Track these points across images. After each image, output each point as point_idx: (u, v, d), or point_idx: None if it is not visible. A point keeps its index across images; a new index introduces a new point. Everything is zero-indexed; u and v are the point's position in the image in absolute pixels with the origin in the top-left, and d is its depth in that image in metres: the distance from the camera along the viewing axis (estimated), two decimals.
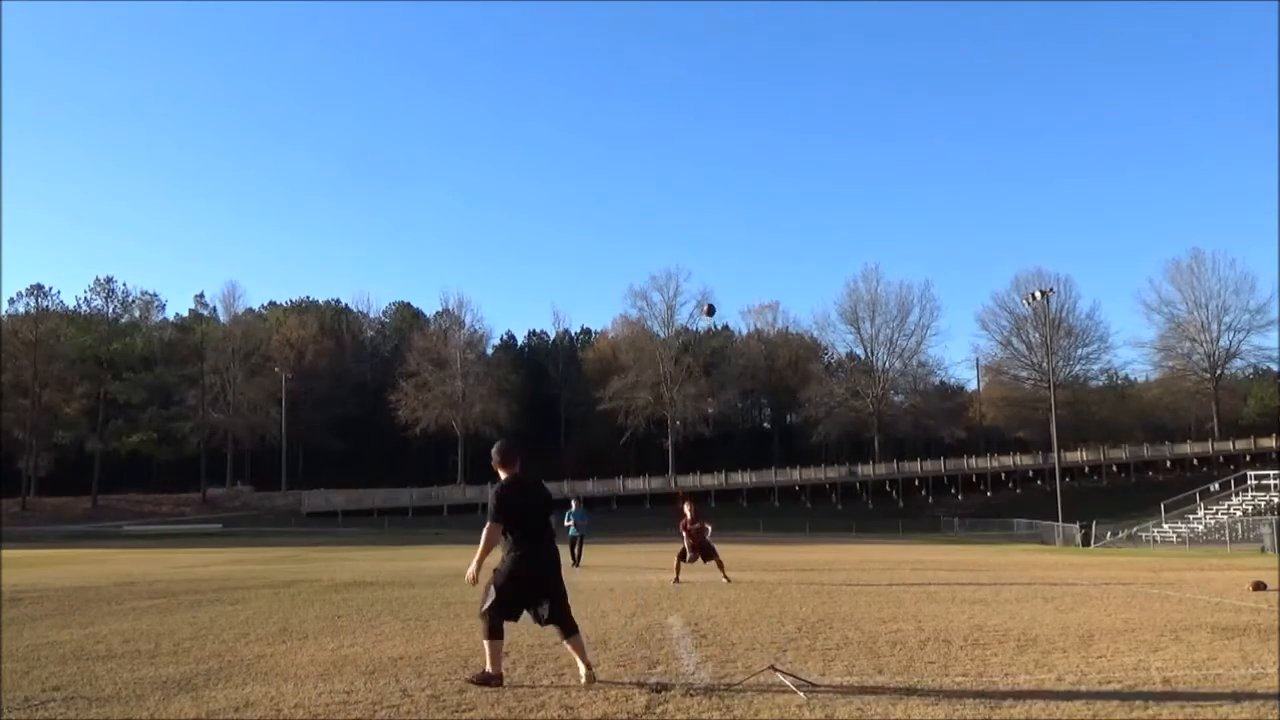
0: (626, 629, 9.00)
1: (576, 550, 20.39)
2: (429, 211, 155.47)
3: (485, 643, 6.03)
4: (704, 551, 15.81)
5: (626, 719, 5.07)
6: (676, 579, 15.32)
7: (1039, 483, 78.98)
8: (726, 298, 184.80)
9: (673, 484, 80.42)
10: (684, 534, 16.01)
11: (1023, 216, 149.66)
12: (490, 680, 5.93)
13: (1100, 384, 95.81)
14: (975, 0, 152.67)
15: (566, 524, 20.90)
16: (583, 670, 5.99)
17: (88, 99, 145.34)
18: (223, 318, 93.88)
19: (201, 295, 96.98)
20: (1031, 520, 53.61)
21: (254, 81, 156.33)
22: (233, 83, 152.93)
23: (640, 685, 5.95)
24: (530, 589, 5.93)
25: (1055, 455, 59.46)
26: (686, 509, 16.18)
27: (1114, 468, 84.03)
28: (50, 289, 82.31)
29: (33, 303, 79.72)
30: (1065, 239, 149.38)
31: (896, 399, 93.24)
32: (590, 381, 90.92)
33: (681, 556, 15.82)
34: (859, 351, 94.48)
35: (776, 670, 6.25)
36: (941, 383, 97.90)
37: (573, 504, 21.64)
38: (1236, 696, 5.60)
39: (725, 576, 15.50)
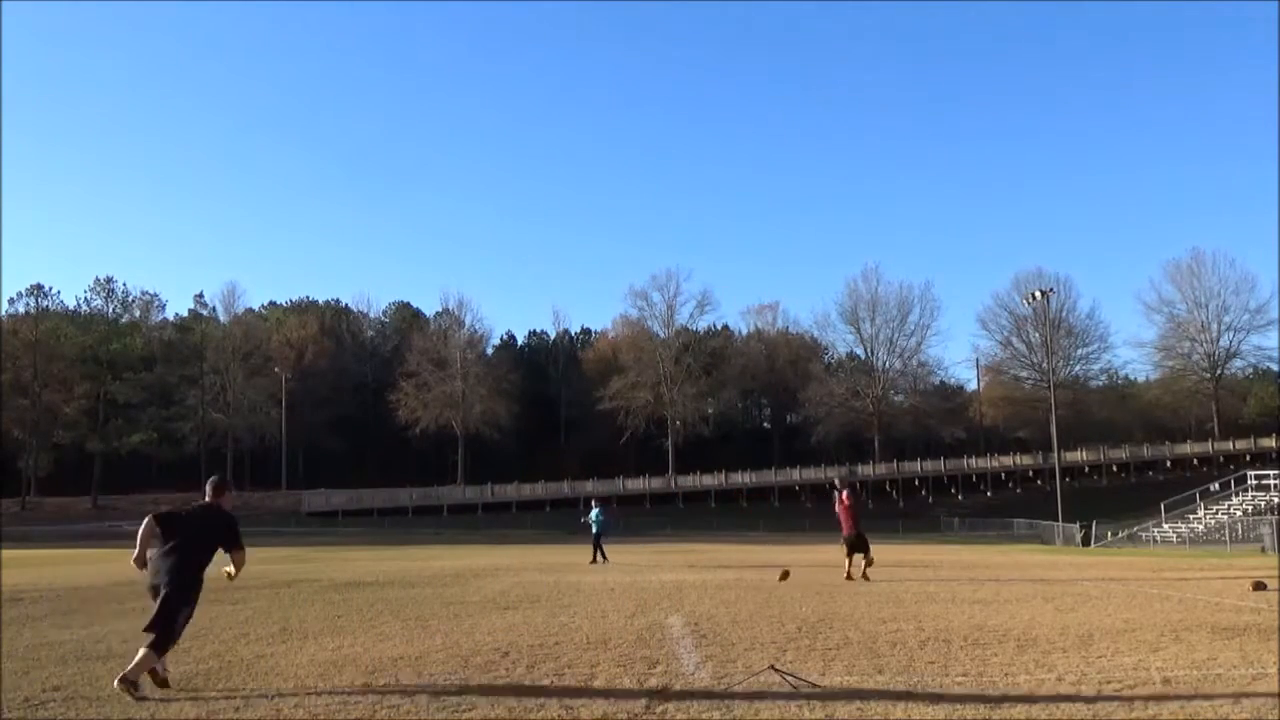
0: (626, 629, 9.00)
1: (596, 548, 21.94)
2: (429, 211, 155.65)
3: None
4: (857, 541, 15.55)
5: (626, 719, 5.07)
6: (851, 575, 15.26)
7: (1039, 483, 78.96)
8: (727, 298, 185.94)
9: (673, 484, 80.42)
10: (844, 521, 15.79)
11: (1023, 216, 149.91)
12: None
13: (1100, 384, 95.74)
14: (976, 1, 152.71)
15: (583, 521, 23.23)
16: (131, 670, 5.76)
17: (88, 99, 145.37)
18: (223, 318, 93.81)
19: (201, 295, 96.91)
20: (1031, 520, 53.56)
21: (254, 81, 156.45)
22: (232, 83, 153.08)
23: (640, 685, 5.95)
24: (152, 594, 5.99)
25: (1055, 455, 59.41)
26: (844, 496, 16.01)
27: (1114, 468, 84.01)
28: (50, 289, 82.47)
29: (33, 303, 79.77)
30: (1065, 239, 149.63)
31: (896, 399, 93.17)
32: (590, 381, 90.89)
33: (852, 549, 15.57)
34: (859, 351, 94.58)
35: (776, 670, 6.25)
36: (941, 383, 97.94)
37: (593, 504, 23.44)
38: (1236, 696, 5.59)
39: (863, 574, 15.26)
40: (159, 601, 5.89)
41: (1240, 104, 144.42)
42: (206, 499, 6.35)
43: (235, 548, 6.27)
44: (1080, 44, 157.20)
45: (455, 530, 60.30)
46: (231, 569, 6.37)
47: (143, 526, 6.03)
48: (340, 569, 20.01)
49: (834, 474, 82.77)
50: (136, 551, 6.07)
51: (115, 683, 5.61)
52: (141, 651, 5.69)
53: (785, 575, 15.23)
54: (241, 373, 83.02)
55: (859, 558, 15.45)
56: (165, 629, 5.81)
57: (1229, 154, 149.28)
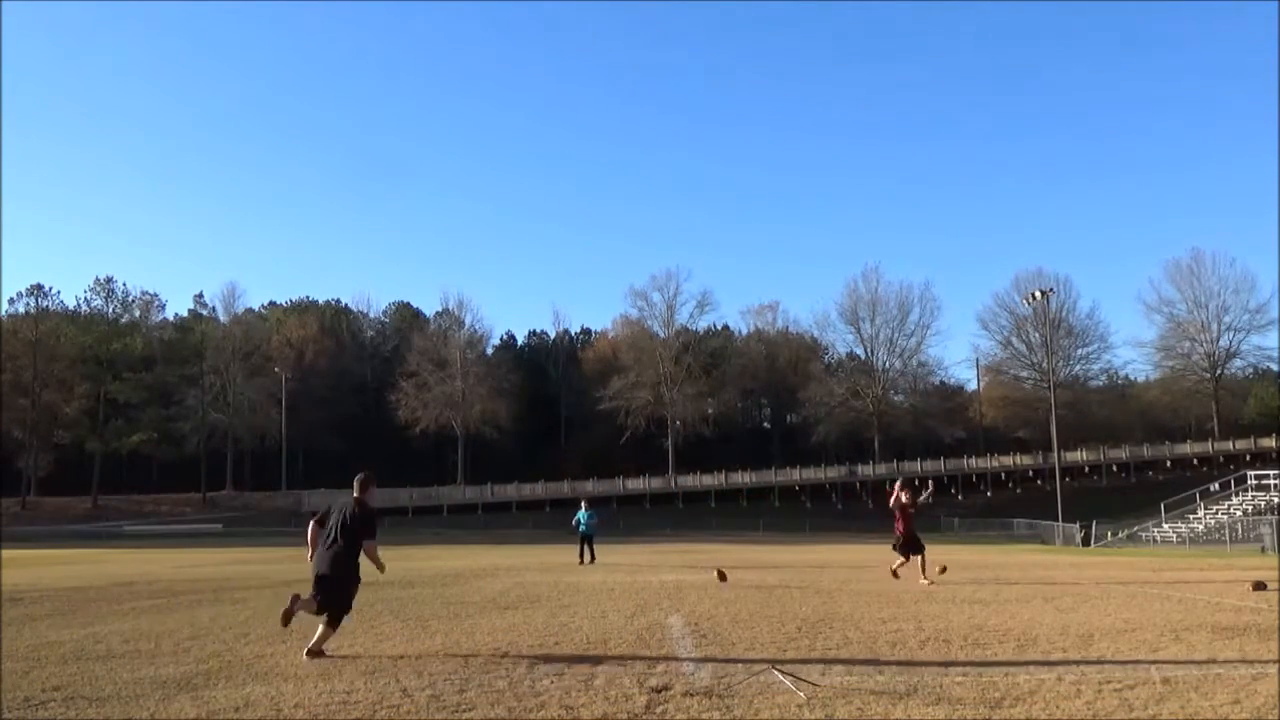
0: (626, 629, 8.99)
1: (586, 549, 21.88)
2: (429, 211, 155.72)
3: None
4: (909, 544, 15.05)
5: (626, 719, 5.07)
6: (895, 573, 15.07)
7: (1039, 483, 78.95)
8: (726, 298, 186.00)
9: (673, 484, 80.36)
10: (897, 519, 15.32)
11: (1023, 216, 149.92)
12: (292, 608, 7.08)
13: (1100, 384, 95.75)
14: (975, 0, 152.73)
15: (574, 522, 22.76)
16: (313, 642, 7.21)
17: (88, 99, 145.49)
18: (223, 318, 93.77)
19: (201, 295, 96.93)
20: (1031, 520, 53.59)
21: (254, 81, 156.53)
22: (233, 83, 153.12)
23: (640, 685, 5.95)
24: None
25: (1055, 455, 59.42)
26: (901, 493, 15.32)
27: (1114, 468, 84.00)
28: (50, 289, 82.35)
29: (33, 303, 79.75)
30: (1065, 239, 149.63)
31: (896, 399, 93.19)
32: (590, 381, 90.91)
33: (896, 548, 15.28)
34: (859, 351, 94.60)
35: (776, 670, 6.25)
36: (941, 383, 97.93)
37: (583, 504, 23.44)
38: (1236, 696, 5.60)
39: (925, 577, 14.76)
40: (322, 586, 7.10)
41: (1240, 104, 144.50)
42: (354, 494, 7.38)
43: (367, 537, 7.18)
44: (1081, 44, 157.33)
45: (455, 530, 60.32)
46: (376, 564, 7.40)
47: (310, 529, 7.40)
48: None
49: (834, 474, 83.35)
50: (309, 551, 7.34)
51: (304, 655, 7.02)
52: (320, 628, 7.15)
53: (723, 576, 15.00)
54: (241, 373, 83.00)
55: (916, 558, 15.04)
56: (333, 607, 7.13)
57: (1229, 154, 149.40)
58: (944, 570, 16.15)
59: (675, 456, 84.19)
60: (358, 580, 7.29)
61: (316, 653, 7.09)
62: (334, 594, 7.12)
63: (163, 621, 9.83)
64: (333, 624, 7.18)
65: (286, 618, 7.13)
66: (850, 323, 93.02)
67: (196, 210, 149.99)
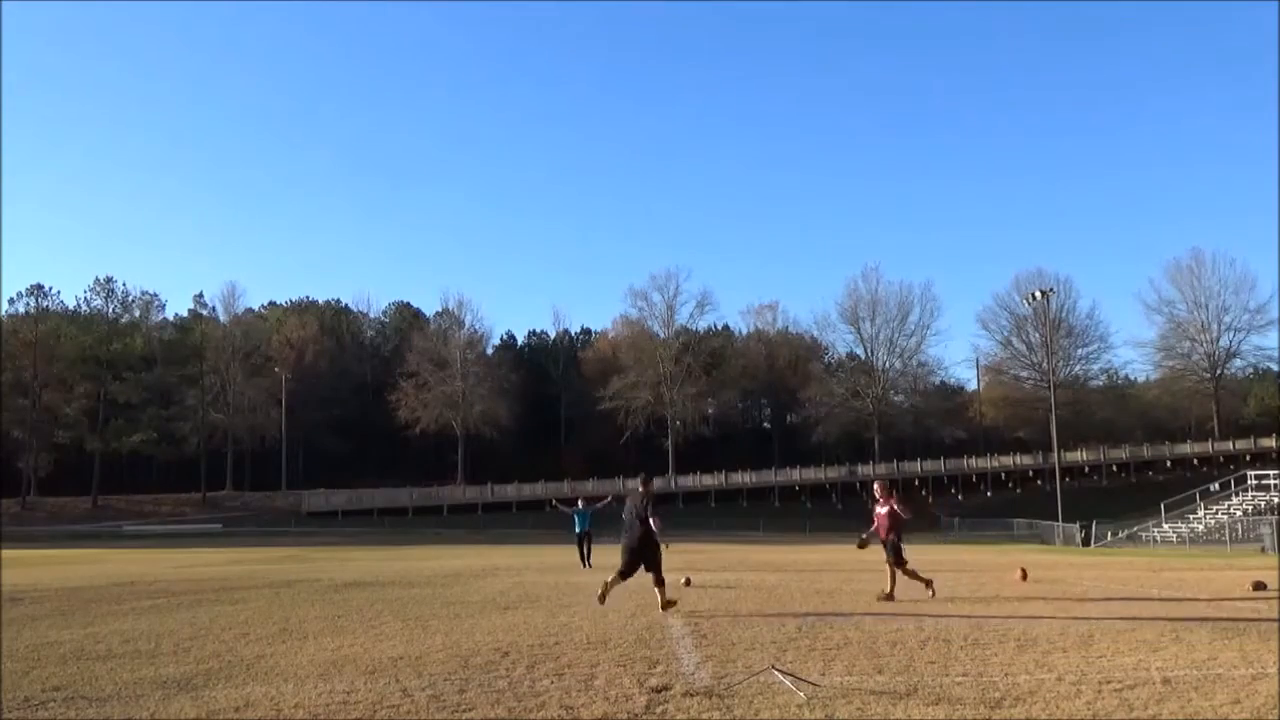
0: (626, 629, 8.99)
1: (584, 549, 21.00)
2: (429, 211, 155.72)
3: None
4: (891, 548, 12.02)
5: (626, 719, 5.07)
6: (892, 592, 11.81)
7: (1039, 483, 78.91)
8: (726, 298, 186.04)
9: (673, 484, 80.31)
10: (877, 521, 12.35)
11: (1023, 216, 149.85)
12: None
13: (1100, 384, 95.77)
14: (976, 0, 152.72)
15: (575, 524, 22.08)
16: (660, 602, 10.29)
17: (88, 98, 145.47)
18: (223, 318, 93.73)
19: (201, 295, 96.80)
20: (1031, 520, 53.56)
21: (254, 81, 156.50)
22: (233, 82, 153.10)
23: (640, 685, 5.95)
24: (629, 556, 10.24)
25: (1055, 455, 59.42)
26: (876, 489, 12.86)
27: (1114, 468, 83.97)
28: (50, 289, 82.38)
29: (33, 303, 79.80)
30: (1065, 239, 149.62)
31: (896, 399, 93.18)
32: (590, 381, 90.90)
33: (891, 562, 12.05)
34: (859, 351, 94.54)
35: (776, 670, 6.24)
36: (941, 383, 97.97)
37: (579, 504, 22.63)
38: (1236, 696, 5.60)
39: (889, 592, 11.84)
40: (632, 556, 10.11)
41: (1240, 103, 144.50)
42: (640, 489, 10.23)
43: (654, 516, 9.92)
44: (1080, 43, 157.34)
45: (455, 530, 60.32)
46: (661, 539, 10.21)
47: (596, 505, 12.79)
48: (340, 569, 20.01)
49: (834, 474, 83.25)
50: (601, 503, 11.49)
51: (660, 610, 10.03)
52: (657, 591, 10.28)
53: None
54: (241, 373, 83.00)
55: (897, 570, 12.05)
56: (651, 569, 10.17)
57: (1229, 154, 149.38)
58: (1025, 576, 14.58)
59: (675, 456, 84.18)
60: (658, 547, 10.12)
61: (670, 603, 10.25)
62: (647, 559, 10.02)
63: (163, 621, 9.83)
64: (661, 583, 10.20)
65: (603, 598, 10.39)
66: (850, 323, 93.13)
67: (196, 210, 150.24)
